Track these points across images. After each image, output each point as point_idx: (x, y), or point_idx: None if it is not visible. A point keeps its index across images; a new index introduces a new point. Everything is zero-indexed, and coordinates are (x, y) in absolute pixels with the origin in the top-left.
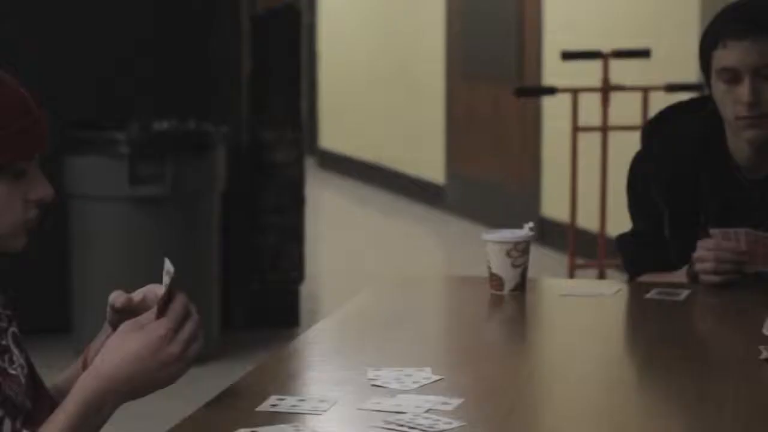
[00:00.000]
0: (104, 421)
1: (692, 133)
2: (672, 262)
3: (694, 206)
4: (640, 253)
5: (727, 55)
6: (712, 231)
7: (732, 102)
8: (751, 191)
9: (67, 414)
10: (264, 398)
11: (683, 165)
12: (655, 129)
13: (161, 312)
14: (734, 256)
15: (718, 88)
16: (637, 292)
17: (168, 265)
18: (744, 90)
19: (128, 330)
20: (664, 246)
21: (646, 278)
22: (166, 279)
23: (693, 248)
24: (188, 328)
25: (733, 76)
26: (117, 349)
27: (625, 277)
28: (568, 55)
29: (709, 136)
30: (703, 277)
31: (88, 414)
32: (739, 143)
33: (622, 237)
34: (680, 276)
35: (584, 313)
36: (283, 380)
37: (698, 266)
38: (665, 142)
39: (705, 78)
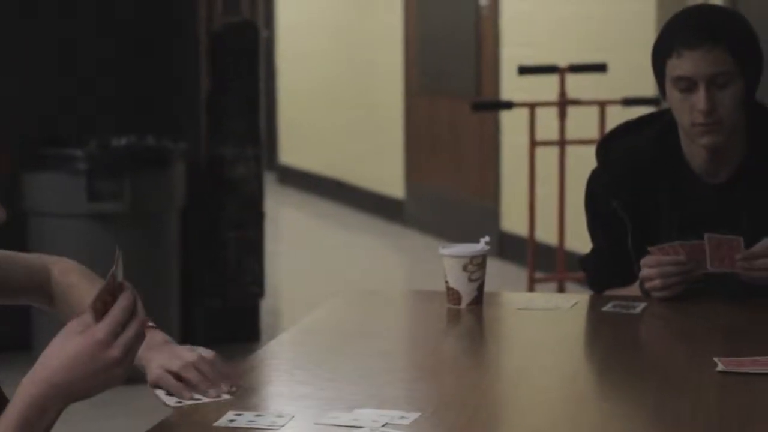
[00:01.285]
0: (50, 425)
1: (648, 145)
2: (635, 275)
3: (655, 217)
4: (602, 272)
5: (682, 64)
6: (650, 249)
7: (688, 110)
8: (710, 197)
9: (8, 423)
10: (221, 413)
11: (642, 177)
12: (610, 144)
13: (104, 309)
14: (677, 269)
15: (674, 96)
16: (593, 305)
17: (118, 255)
18: (700, 98)
19: (69, 332)
20: (625, 261)
21: (607, 292)
22: (107, 279)
23: None
24: (130, 330)
25: (688, 85)
26: (56, 354)
27: (588, 291)
28: (524, 70)
29: (664, 146)
30: (654, 294)
31: (30, 421)
32: (695, 150)
33: (585, 258)
34: (636, 290)
35: (541, 327)
36: (241, 395)
37: (646, 285)
38: (622, 156)
39: (658, 84)
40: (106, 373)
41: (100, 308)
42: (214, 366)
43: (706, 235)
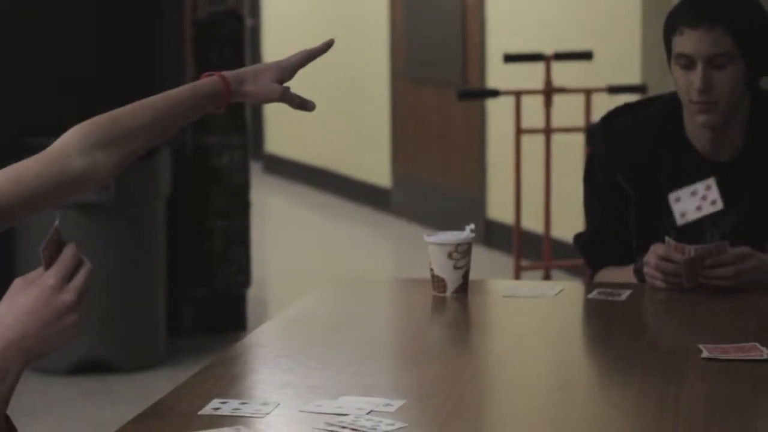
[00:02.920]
0: (12, 387)
1: (650, 122)
2: (631, 254)
3: (657, 193)
4: (600, 249)
5: (683, 42)
6: (668, 240)
7: (686, 86)
8: (710, 176)
9: None
10: (206, 401)
11: (645, 152)
12: (611, 122)
13: (48, 265)
14: (676, 269)
15: (676, 72)
16: (578, 292)
17: (56, 221)
18: (696, 77)
19: (18, 288)
20: (624, 237)
21: (603, 275)
22: (51, 232)
23: (655, 236)
24: (80, 275)
25: (688, 62)
26: (8, 310)
27: (573, 278)
28: (510, 58)
29: (666, 124)
30: (650, 281)
31: None
32: (697, 129)
33: (580, 236)
34: (631, 274)
35: (526, 314)
36: (226, 383)
37: (646, 271)
38: (625, 132)
39: (667, 60)
40: (60, 320)
41: (48, 257)
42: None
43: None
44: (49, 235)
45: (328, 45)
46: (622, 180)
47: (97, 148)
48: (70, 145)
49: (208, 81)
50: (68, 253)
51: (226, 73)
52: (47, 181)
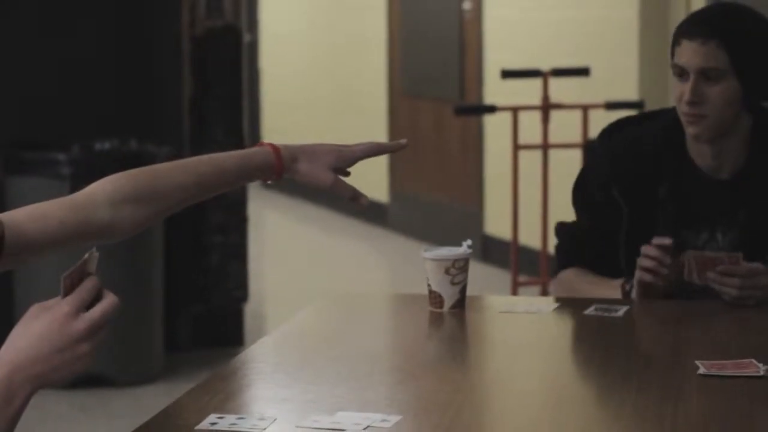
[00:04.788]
0: (18, 412)
1: (652, 137)
2: (603, 267)
3: (653, 208)
4: (577, 246)
5: (679, 53)
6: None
7: (679, 97)
8: (711, 193)
9: None
10: (203, 417)
11: (644, 166)
12: (614, 132)
13: (67, 293)
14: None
15: (674, 82)
16: (575, 308)
17: (90, 252)
18: (687, 88)
19: (33, 314)
20: (606, 248)
21: (569, 274)
22: (80, 263)
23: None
24: (99, 307)
25: (681, 73)
26: (21, 334)
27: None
28: (507, 74)
29: (668, 139)
30: (641, 272)
31: None
32: (698, 146)
33: (563, 225)
34: (613, 288)
35: (523, 330)
36: (223, 398)
37: (639, 267)
38: (626, 143)
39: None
40: (72, 349)
41: (69, 286)
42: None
43: (690, 252)
44: (76, 264)
45: (401, 145)
46: (618, 194)
47: (128, 202)
48: (100, 195)
49: (259, 151)
50: (88, 284)
51: (281, 146)
52: (70, 228)
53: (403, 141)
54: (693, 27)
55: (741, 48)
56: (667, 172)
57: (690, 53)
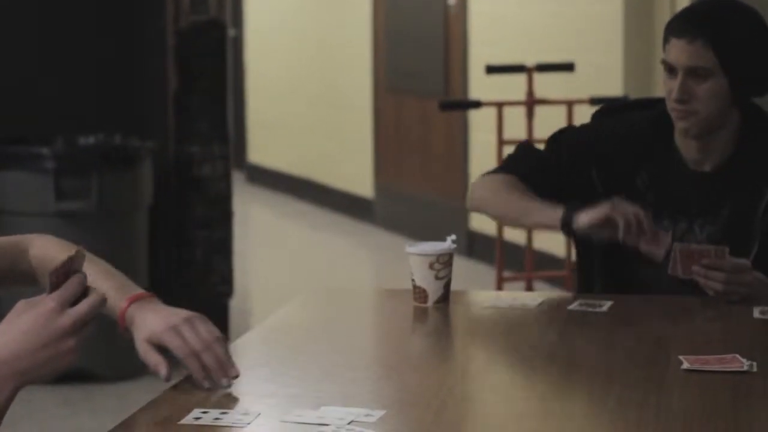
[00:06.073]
0: (3, 408)
1: (643, 124)
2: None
3: (629, 196)
4: (530, 162)
5: (668, 50)
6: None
7: (668, 92)
8: (693, 184)
9: None
10: (187, 411)
11: (628, 152)
12: (610, 114)
13: (53, 290)
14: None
15: (664, 77)
16: (560, 304)
17: (75, 250)
18: (675, 85)
19: (19, 309)
20: (549, 185)
21: (502, 189)
22: (64, 260)
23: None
24: (84, 303)
25: (671, 70)
26: (6, 330)
27: (559, 288)
28: (492, 69)
29: (658, 129)
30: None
31: None
32: (684, 138)
33: (528, 144)
34: (545, 214)
35: (507, 325)
36: (207, 393)
37: (617, 214)
38: (616, 128)
39: None
40: (56, 345)
41: (55, 282)
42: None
43: (676, 244)
44: (62, 261)
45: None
46: (596, 176)
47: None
48: (31, 242)
49: (119, 303)
50: (74, 281)
51: (133, 306)
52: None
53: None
54: (681, 25)
55: (727, 46)
56: (649, 162)
57: (678, 51)
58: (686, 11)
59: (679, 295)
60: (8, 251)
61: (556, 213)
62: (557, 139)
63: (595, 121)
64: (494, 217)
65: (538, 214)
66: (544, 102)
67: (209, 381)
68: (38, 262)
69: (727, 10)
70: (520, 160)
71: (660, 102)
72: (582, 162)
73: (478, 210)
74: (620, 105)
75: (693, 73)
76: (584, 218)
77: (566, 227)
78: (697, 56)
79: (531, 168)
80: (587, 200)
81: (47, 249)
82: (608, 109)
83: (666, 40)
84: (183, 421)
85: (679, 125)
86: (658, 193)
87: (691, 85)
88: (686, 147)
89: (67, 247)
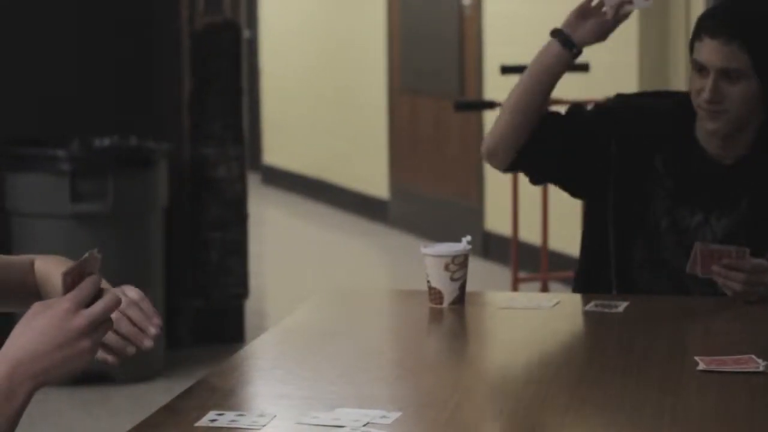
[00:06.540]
0: (20, 410)
1: (665, 110)
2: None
3: (645, 178)
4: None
5: (700, 49)
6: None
7: (698, 91)
8: (713, 175)
9: None
10: (203, 413)
11: (647, 130)
12: (631, 96)
13: (68, 291)
14: None
15: (692, 74)
16: (575, 304)
17: (91, 252)
18: (706, 85)
19: (35, 311)
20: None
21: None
22: (80, 261)
23: (636, 224)
24: (99, 304)
25: (701, 68)
26: (22, 331)
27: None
28: (507, 69)
29: (679, 117)
30: None
31: None
32: (705, 132)
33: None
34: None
35: (523, 326)
36: (223, 395)
37: None
38: (638, 106)
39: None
40: (72, 345)
41: (70, 284)
42: (142, 309)
43: (697, 244)
44: (76, 262)
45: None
46: (614, 151)
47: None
48: (38, 257)
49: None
50: (89, 282)
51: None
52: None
53: None
54: (716, 25)
55: (762, 49)
56: (669, 147)
57: (711, 52)
58: (720, 10)
59: (695, 293)
60: (17, 267)
61: (553, 44)
62: (580, 106)
63: (616, 101)
64: (511, 114)
65: (538, 59)
66: (559, 102)
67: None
68: (38, 275)
69: (763, 10)
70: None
71: (678, 94)
72: (603, 132)
73: (496, 136)
74: (640, 93)
75: (725, 74)
76: (580, 30)
77: (568, 43)
78: (732, 58)
79: (549, 119)
80: (596, 171)
81: (48, 263)
82: (628, 94)
83: (697, 38)
84: (199, 423)
85: (708, 126)
86: (677, 181)
87: (723, 86)
88: (708, 140)
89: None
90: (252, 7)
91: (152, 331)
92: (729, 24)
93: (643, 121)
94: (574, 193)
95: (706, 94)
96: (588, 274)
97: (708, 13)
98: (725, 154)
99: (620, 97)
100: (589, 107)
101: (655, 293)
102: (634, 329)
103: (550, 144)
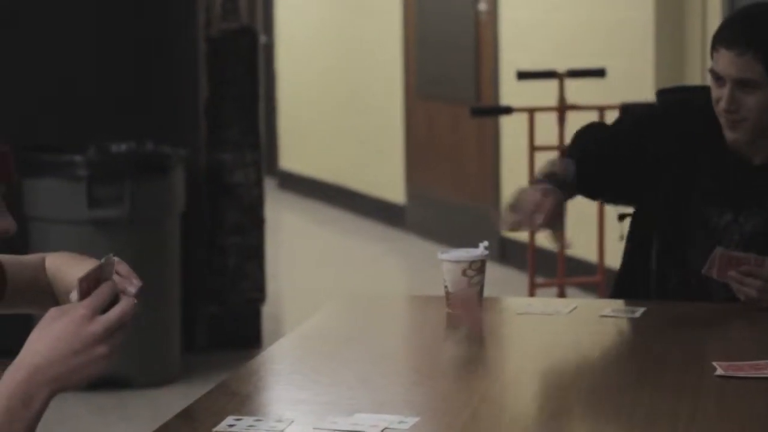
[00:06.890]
0: (37, 416)
1: (699, 107)
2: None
3: (683, 172)
4: (586, 137)
5: (717, 60)
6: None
7: (716, 99)
8: (743, 176)
9: None
10: (221, 418)
11: (686, 129)
12: (667, 95)
13: (84, 297)
14: None
15: (711, 83)
16: (592, 310)
17: (107, 257)
18: (723, 95)
19: (51, 316)
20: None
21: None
22: (95, 267)
23: (673, 220)
24: (115, 310)
25: (718, 78)
26: (38, 337)
27: (591, 294)
28: (523, 75)
29: (710, 115)
30: None
31: (13, 410)
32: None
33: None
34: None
35: (540, 332)
36: (240, 400)
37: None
38: (678, 103)
39: None
40: (88, 351)
41: (86, 289)
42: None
43: (718, 248)
44: (92, 268)
45: None
46: (652, 150)
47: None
48: (47, 255)
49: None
50: (105, 288)
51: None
52: (30, 281)
53: None
54: (731, 36)
55: None
56: (701, 147)
57: (727, 63)
58: (736, 21)
59: (712, 298)
60: (30, 266)
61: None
62: (628, 109)
63: (659, 98)
64: None
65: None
66: (575, 108)
67: None
68: (49, 271)
69: None
70: (583, 133)
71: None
72: (641, 133)
73: None
74: (683, 87)
75: (741, 84)
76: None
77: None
78: (747, 69)
79: (590, 139)
80: (632, 172)
81: (58, 258)
82: (665, 90)
83: (714, 49)
84: (216, 428)
85: (728, 134)
86: (708, 181)
87: (740, 96)
88: (734, 142)
89: (80, 259)
90: (268, 12)
91: (131, 291)
92: (743, 35)
93: (679, 120)
94: (629, 203)
95: (723, 104)
96: (629, 276)
97: (724, 24)
98: (753, 155)
99: (660, 93)
100: (636, 107)
101: (682, 295)
102: (651, 335)
103: (603, 172)
